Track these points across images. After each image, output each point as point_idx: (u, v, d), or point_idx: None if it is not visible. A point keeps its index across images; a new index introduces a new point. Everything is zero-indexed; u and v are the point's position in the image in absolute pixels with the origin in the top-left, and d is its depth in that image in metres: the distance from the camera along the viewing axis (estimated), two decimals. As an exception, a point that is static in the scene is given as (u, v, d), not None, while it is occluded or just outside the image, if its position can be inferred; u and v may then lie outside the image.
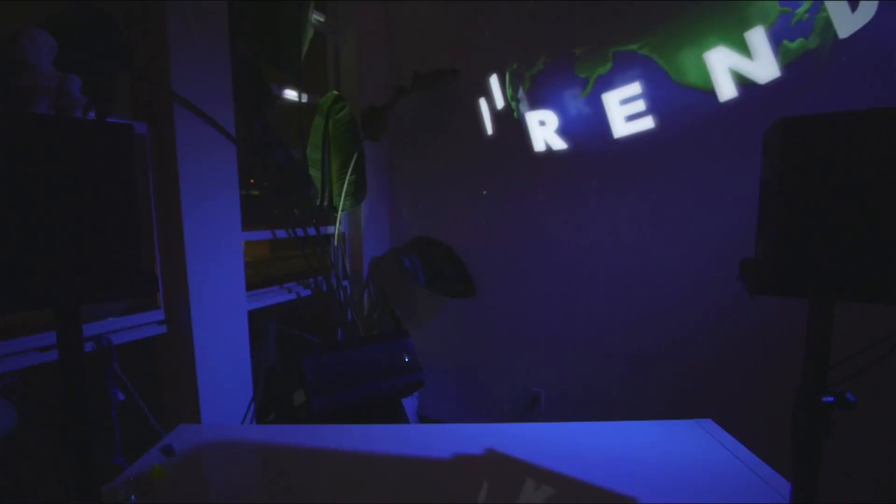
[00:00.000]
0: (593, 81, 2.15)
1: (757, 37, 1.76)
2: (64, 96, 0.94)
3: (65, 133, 0.66)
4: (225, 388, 1.89)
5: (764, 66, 1.78)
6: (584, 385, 2.35)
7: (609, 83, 2.10)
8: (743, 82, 1.83)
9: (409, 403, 2.71)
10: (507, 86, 2.40)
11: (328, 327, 2.73)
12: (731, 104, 1.86)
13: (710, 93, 1.89)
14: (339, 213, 2.42)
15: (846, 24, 1.65)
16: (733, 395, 1.98)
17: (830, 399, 0.72)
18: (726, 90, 1.85)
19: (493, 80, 2.43)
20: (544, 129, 2.29)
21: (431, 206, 2.77)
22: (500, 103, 2.43)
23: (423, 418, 2.89)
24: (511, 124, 2.40)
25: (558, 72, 2.24)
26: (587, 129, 2.19)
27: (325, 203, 2.44)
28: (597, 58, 2.13)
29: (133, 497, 0.98)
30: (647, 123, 2.03)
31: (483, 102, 2.48)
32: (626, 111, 2.06)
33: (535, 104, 2.32)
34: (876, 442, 1.72)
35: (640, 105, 2.03)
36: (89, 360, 1.50)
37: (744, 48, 1.79)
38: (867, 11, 1.62)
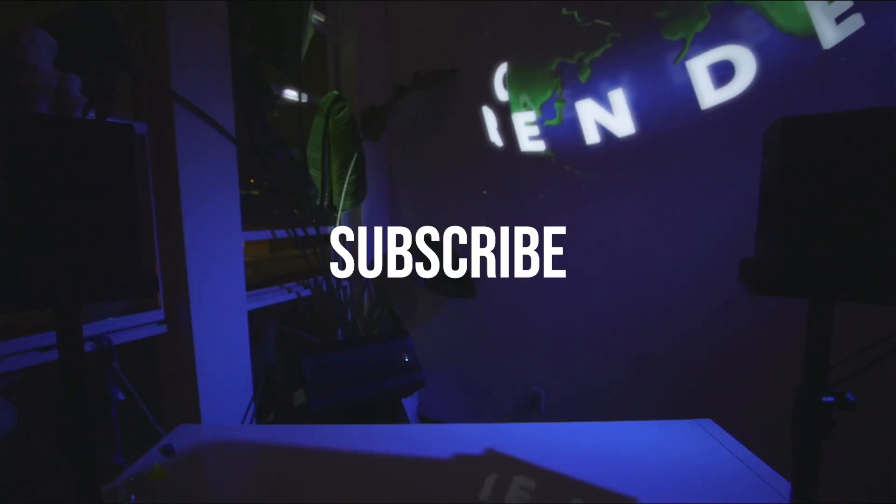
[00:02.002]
0: (690, 41, 1.89)
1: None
2: (64, 96, 0.94)
3: (65, 133, 0.66)
4: (225, 388, 1.89)
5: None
6: (585, 385, 2.35)
7: (707, 42, 1.86)
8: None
9: (409, 403, 2.71)
10: (545, 89, 2.25)
11: (328, 327, 2.73)
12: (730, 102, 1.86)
13: (812, 38, 1.70)
14: (339, 213, 2.42)
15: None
16: (733, 395, 1.98)
17: (830, 399, 0.72)
18: (830, 36, 1.68)
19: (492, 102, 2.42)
20: (612, 117, 2.09)
21: (431, 206, 2.77)
22: (495, 137, 2.44)
23: (423, 418, 2.89)
24: (512, 124, 2.40)
25: (635, 43, 2.02)
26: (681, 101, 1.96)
27: (325, 203, 2.44)
28: (691, 14, 1.88)
29: (133, 497, 0.98)
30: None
31: (486, 111, 2.48)
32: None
33: (602, 90, 2.11)
34: (876, 442, 1.72)
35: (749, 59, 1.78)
36: (89, 360, 1.50)
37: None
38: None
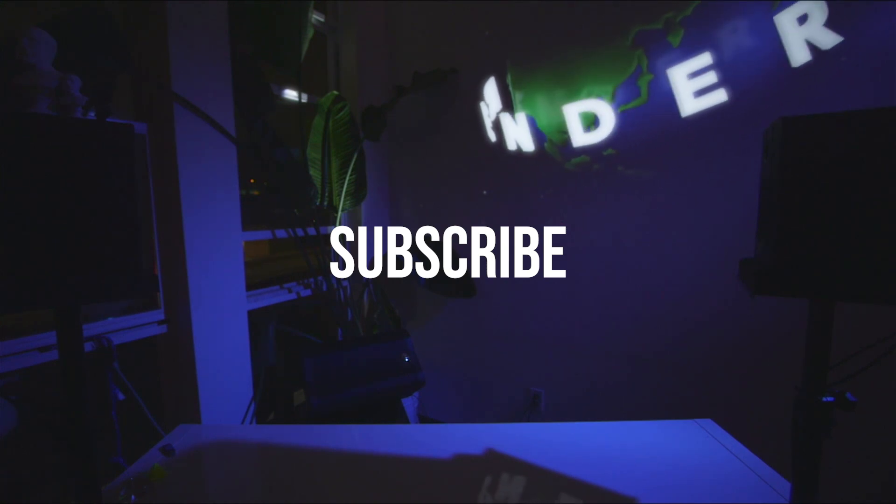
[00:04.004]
0: None
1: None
2: (64, 96, 0.94)
3: (65, 133, 0.66)
4: (225, 388, 1.89)
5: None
6: (585, 385, 2.35)
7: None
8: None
9: (409, 403, 2.71)
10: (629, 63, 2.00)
11: (328, 327, 2.73)
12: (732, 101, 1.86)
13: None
14: (339, 212, 2.42)
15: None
16: (733, 395, 1.98)
17: (830, 399, 0.72)
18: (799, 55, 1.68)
19: (490, 86, 2.40)
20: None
21: (431, 206, 2.77)
22: (495, 108, 2.42)
23: (423, 418, 2.89)
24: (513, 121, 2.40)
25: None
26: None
27: (325, 203, 2.44)
28: None
29: (133, 497, 0.98)
30: None
31: (484, 107, 2.48)
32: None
33: (695, 50, 1.86)
34: (876, 442, 1.72)
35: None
36: (89, 360, 1.50)
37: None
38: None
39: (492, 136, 2.48)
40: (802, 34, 1.68)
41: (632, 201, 2.13)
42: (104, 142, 0.69)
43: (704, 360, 2.03)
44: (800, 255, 0.67)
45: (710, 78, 1.85)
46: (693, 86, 1.88)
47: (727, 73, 1.83)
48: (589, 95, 2.13)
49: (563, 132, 2.23)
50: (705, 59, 1.84)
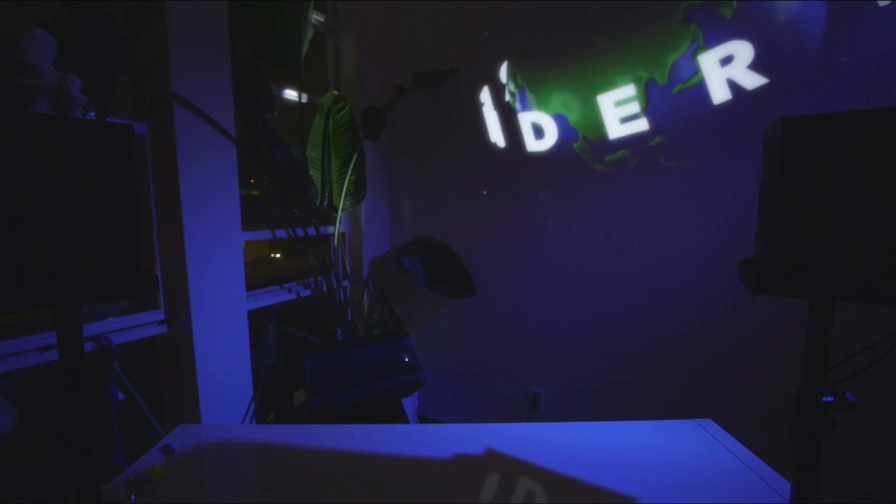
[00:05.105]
0: None
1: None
2: (64, 96, 0.94)
3: (65, 133, 0.66)
4: (225, 388, 1.89)
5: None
6: (585, 385, 2.35)
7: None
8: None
9: (409, 403, 2.71)
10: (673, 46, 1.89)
11: (328, 327, 2.73)
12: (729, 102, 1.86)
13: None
14: (339, 212, 2.42)
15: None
16: (733, 395, 1.98)
17: (830, 399, 0.72)
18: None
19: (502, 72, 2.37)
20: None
21: (431, 206, 2.77)
22: (505, 97, 2.39)
23: (423, 418, 2.89)
24: (513, 122, 2.40)
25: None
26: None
27: (325, 203, 2.44)
28: None
29: (133, 497, 0.98)
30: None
31: (485, 101, 2.47)
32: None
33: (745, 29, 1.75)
34: (876, 442, 1.72)
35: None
36: (89, 360, 1.50)
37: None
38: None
39: (494, 135, 2.47)
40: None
41: (632, 201, 2.13)
42: (104, 142, 0.69)
43: (704, 360, 2.03)
44: (800, 255, 0.67)
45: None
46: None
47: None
48: (630, 81, 1.98)
49: (599, 126, 2.12)
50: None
